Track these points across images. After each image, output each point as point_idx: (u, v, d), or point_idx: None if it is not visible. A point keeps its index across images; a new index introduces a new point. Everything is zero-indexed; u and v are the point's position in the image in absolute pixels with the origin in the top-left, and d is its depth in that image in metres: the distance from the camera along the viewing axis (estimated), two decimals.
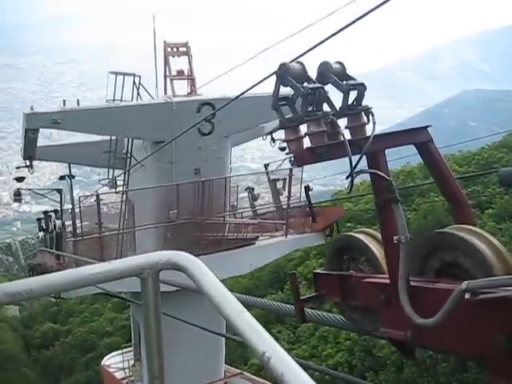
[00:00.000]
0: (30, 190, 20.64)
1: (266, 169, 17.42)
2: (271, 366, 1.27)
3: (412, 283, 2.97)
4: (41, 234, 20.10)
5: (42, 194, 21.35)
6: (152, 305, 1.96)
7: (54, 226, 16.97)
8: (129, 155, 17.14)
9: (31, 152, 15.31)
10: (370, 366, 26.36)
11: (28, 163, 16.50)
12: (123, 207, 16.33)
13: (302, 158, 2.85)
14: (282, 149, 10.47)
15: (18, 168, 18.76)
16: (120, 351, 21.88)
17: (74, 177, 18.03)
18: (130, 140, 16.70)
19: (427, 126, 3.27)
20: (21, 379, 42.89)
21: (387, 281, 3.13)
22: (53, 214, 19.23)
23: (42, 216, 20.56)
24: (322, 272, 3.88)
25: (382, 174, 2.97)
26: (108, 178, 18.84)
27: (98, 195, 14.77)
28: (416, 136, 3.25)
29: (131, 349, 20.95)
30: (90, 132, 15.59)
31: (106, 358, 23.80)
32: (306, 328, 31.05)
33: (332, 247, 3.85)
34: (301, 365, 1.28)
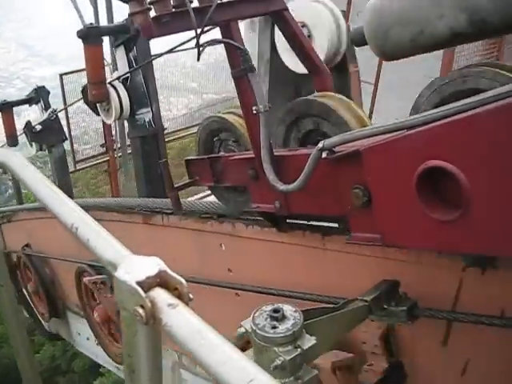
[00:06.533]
0: None
1: None
2: (79, 235, 1.30)
3: (276, 153, 2.96)
4: None
5: None
6: None
7: None
8: None
9: None
10: None
11: None
12: None
13: (148, 31, 2.68)
14: None
15: None
16: None
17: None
18: None
19: None
20: None
21: (253, 155, 3.11)
22: None
23: None
24: (194, 158, 3.81)
25: (236, 44, 2.87)
26: None
27: None
28: (270, 5, 3.15)
29: None
30: None
31: None
32: None
33: (201, 131, 3.77)
34: None
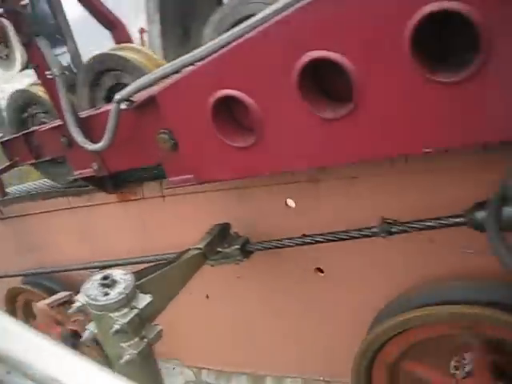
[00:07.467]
0: None
1: None
2: None
3: (81, 115, 2.89)
4: None
5: None
6: None
7: None
8: None
9: None
10: None
11: None
12: None
13: None
14: None
15: None
16: None
17: None
18: None
19: None
20: None
21: (61, 122, 3.01)
22: None
23: None
24: (8, 138, 3.63)
25: (16, 8, 2.72)
26: None
27: None
28: None
29: None
30: None
31: None
32: None
33: (7, 109, 3.58)
34: None
